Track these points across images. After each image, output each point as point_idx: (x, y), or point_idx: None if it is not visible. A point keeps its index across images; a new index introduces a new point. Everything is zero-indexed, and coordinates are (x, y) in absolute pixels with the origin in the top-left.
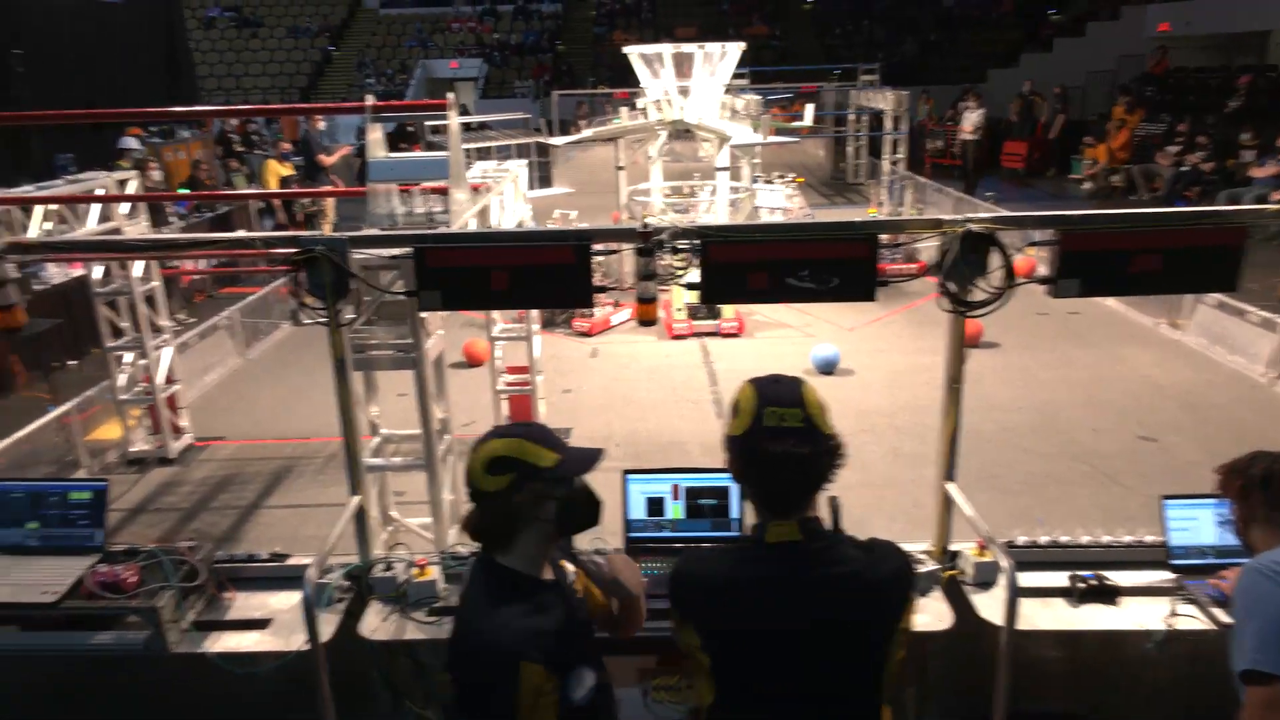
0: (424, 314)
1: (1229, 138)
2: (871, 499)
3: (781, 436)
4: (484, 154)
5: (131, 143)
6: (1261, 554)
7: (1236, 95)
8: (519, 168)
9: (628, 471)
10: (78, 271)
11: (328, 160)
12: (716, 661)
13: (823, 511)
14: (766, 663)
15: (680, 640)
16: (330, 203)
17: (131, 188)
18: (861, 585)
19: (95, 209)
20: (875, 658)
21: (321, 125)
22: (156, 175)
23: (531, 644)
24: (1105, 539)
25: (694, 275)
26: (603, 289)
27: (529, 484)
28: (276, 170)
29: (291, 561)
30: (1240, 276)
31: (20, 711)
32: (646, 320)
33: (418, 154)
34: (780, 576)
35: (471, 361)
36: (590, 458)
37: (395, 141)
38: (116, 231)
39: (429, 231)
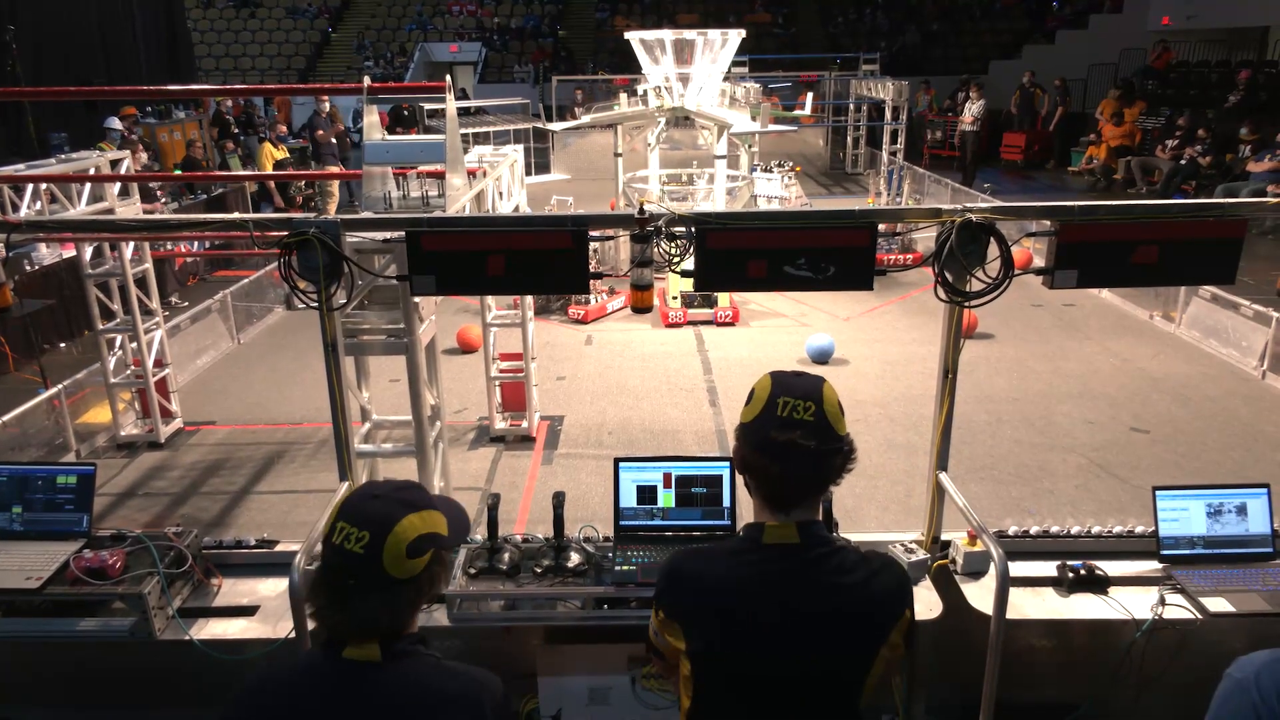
0: (417, 299)
1: (1228, 132)
2: (864, 488)
3: (789, 426)
4: (482, 139)
5: (115, 124)
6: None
7: (1236, 90)
8: (517, 153)
9: (619, 459)
10: (69, 253)
11: (325, 136)
12: (698, 664)
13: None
14: (750, 669)
15: (660, 639)
16: (336, 185)
17: (124, 168)
18: (857, 596)
19: (87, 189)
20: (858, 668)
21: (326, 107)
22: (143, 157)
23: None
24: (1095, 529)
25: (690, 263)
26: (598, 275)
27: (439, 556)
28: (272, 154)
29: (280, 548)
30: (1237, 269)
31: (7, 697)
32: (641, 307)
33: (414, 137)
34: (774, 581)
35: (465, 348)
36: (464, 519)
37: (391, 126)
38: (109, 212)
39: (423, 215)
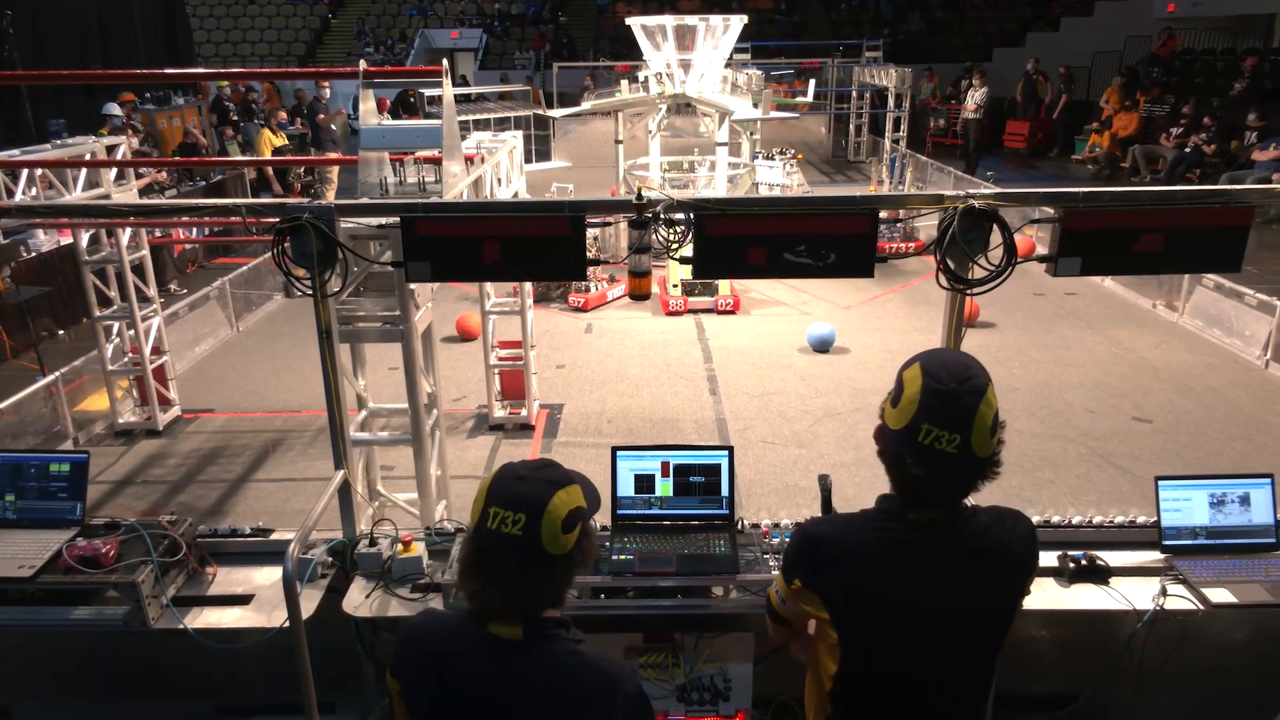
0: (413, 285)
1: (1233, 120)
2: (866, 477)
3: (930, 458)
4: (481, 125)
5: (114, 109)
6: None
7: (1242, 77)
8: (516, 139)
9: (616, 448)
10: (67, 240)
11: (326, 120)
12: (847, 634)
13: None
14: (902, 637)
15: (791, 607)
16: (336, 172)
17: (121, 153)
18: (1003, 555)
19: (83, 175)
20: (1000, 630)
21: (327, 93)
22: (134, 142)
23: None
24: (1097, 519)
25: (689, 249)
26: (596, 262)
27: (586, 529)
28: (271, 140)
29: (275, 536)
30: (1243, 257)
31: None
32: (639, 295)
33: (410, 122)
34: (921, 550)
35: (464, 336)
36: (595, 490)
37: (396, 113)
38: (104, 198)
39: (418, 200)
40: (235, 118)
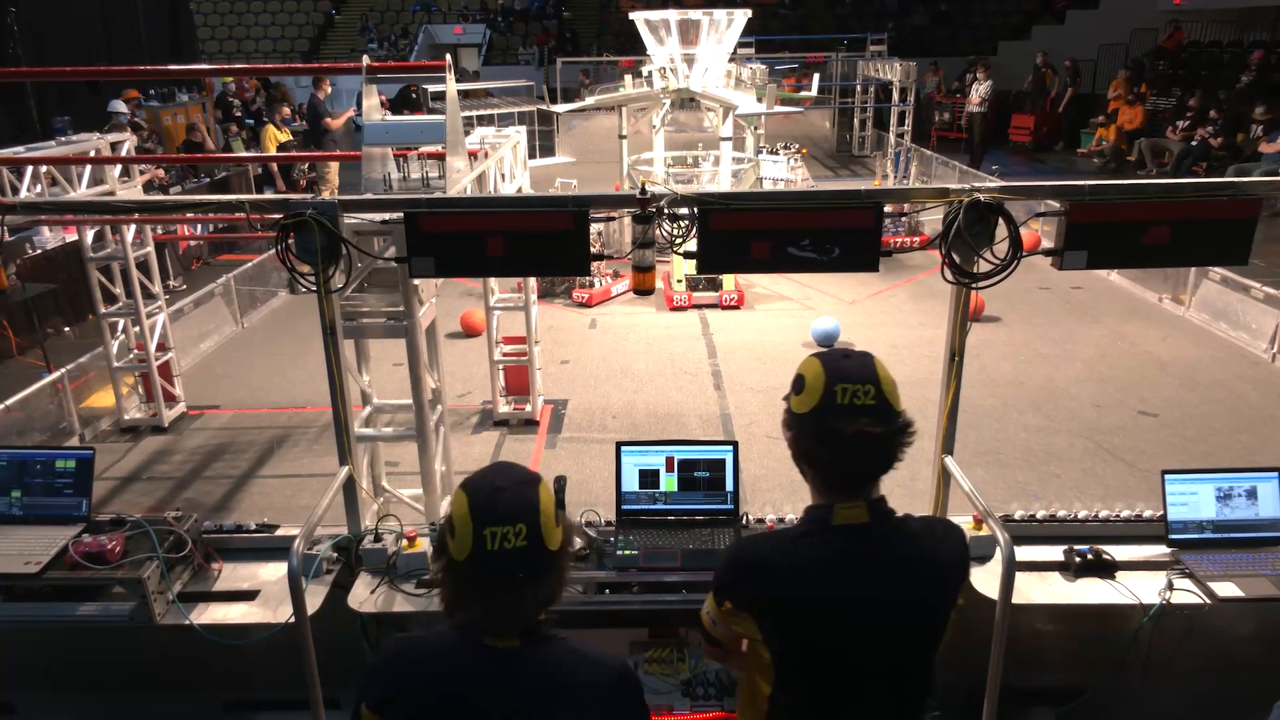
0: (417, 281)
1: (1240, 113)
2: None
3: (854, 415)
4: (486, 121)
5: (119, 106)
6: None
7: (1248, 70)
8: (519, 134)
9: (621, 443)
10: (72, 236)
11: (334, 124)
12: (780, 652)
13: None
14: (832, 650)
15: (721, 629)
16: (334, 169)
17: (126, 150)
18: (928, 565)
19: (88, 172)
20: (934, 637)
21: (328, 90)
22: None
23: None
24: (1103, 513)
25: (693, 244)
26: (600, 257)
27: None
28: (275, 136)
29: (280, 532)
30: (1250, 250)
31: (7, 681)
32: (643, 289)
33: (414, 117)
34: (850, 560)
35: (469, 331)
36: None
37: (398, 108)
38: (109, 195)
39: (421, 196)
40: (238, 114)
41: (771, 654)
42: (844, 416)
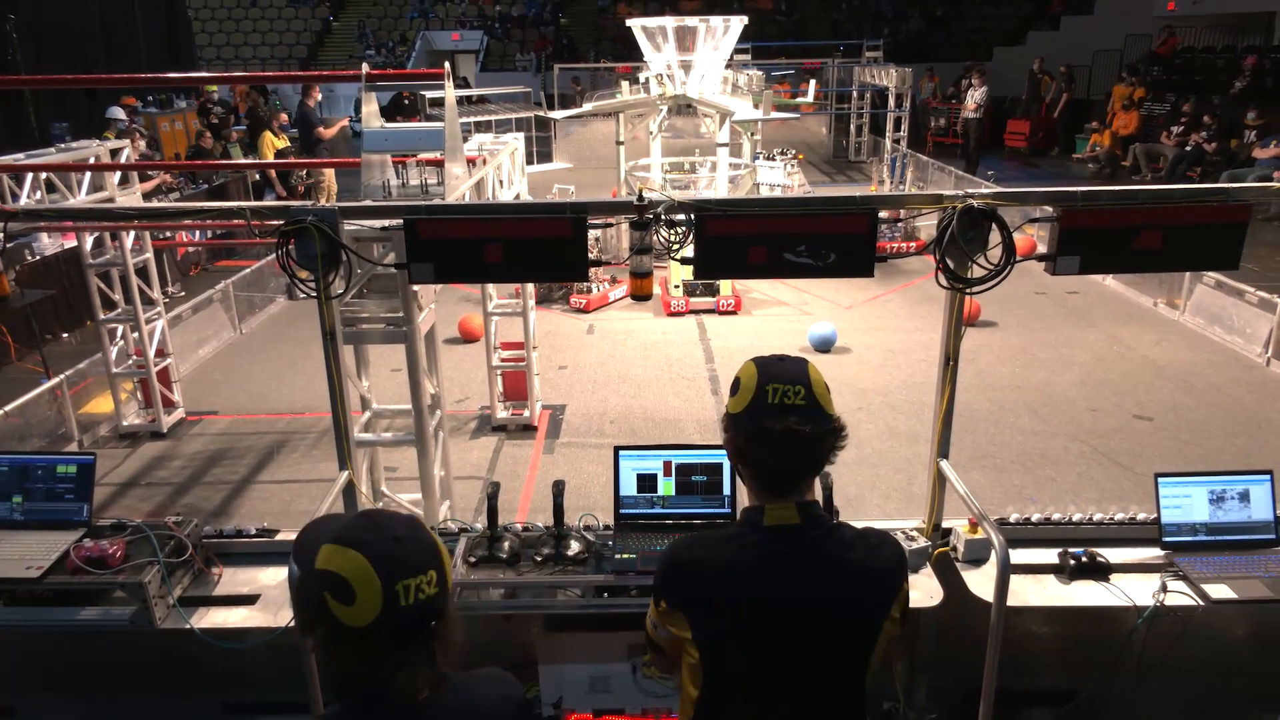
0: (416, 287)
1: (1234, 118)
2: (866, 476)
3: (783, 413)
4: (483, 128)
5: (118, 112)
6: None
7: (1242, 75)
8: (518, 141)
9: (619, 448)
10: (71, 243)
11: (327, 133)
12: (706, 652)
13: (819, 493)
14: (758, 651)
15: (662, 632)
16: (330, 176)
17: (124, 157)
18: (858, 572)
19: (87, 179)
20: (864, 645)
21: (317, 97)
22: (141, 145)
23: None
24: (1097, 516)
25: (690, 250)
26: (598, 263)
27: None
28: (273, 143)
29: (280, 537)
30: (1241, 255)
31: (7, 685)
32: (641, 295)
33: (413, 124)
34: (778, 561)
35: (467, 337)
36: None
37: (391, 115)
38: (108, 202)
39: (421, 203)
40: (217, 122)
41: (699, 654)
42: (774, 415)
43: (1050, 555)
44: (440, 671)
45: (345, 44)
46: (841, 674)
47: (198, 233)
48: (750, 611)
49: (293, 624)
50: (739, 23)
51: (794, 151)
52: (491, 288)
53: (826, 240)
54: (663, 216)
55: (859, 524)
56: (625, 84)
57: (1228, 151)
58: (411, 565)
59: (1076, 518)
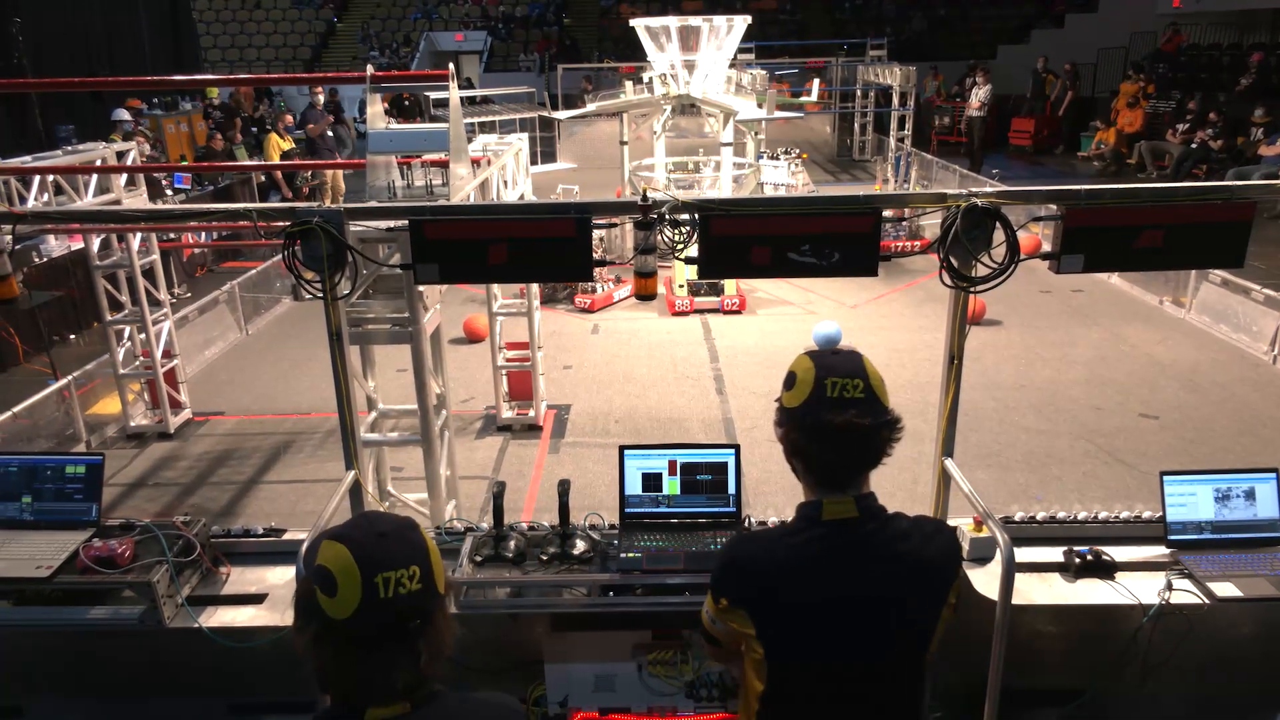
0: (421, 288)
1: (1239, 116)
2: (871, 474)
3: (842, 407)
4: (488, 128)
5: (123, 114)
6: None
7: (1248, 73)
8: (521, 142)
9: (624, 447)
10: (78, 245)
11: (314, 130)
12: (771, 647)
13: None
14: (822, 645)
15: (720, 627)
16: (337, 176)
17: (130, 159)
18: (917, 562)
19: (94, 181)
20: (925, 633)
21: (320, 98)
22: (146, 148)
23: None
24: (1103, 515)
25: (694, 250)
26: (602, 263)
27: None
28: (278, 144)
29: (287, 536)
30: (1246, 253)
31: (16, 685)
32: (645, 295)
33: (417, 125)
34: (839, 555)
35: (472, 337)
36: None
37: (389, 115)
38: (115, 204)
39: (426, 203)
40: (211, 123)
41: (764, 649)
42: (833, 409)
43: (1055, 554)
44: (422, 676)
45: (349, 45)
46: (903, 661)
47: (204, 234)
48: (813, 608)
49: None
50: (742, 22)
51: (798, 151)
52: (496, 288)
53: (831, 239)
54: (667, 216)
55: None
56: (629, 84)
57: (1234, 149)
58: (392, 559)
59: (1081, 516)
